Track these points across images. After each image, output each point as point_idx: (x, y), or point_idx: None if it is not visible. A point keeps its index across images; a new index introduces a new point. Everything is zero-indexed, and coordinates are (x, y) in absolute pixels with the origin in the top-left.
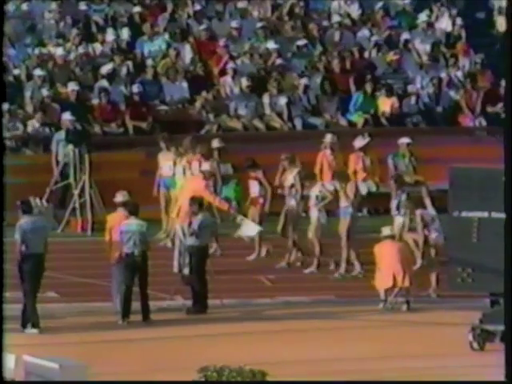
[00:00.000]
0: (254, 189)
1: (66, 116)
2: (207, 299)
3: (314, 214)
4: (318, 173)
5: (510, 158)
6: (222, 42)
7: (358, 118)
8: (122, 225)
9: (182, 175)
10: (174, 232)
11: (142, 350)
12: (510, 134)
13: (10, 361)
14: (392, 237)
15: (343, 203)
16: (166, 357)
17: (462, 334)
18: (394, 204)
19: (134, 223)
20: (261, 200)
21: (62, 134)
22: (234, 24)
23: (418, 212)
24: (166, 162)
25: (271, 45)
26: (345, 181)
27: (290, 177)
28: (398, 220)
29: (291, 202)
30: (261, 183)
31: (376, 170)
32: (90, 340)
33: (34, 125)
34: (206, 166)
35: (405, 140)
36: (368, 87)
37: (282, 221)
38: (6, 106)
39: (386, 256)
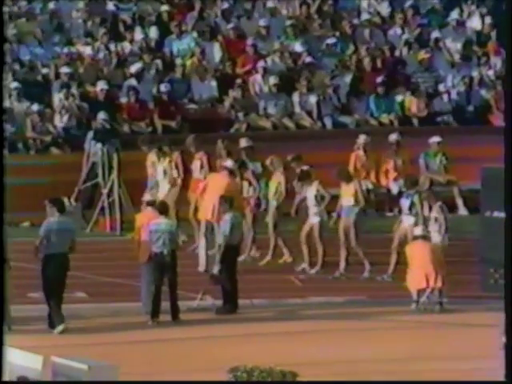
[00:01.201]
0: (246, 189)
1: (101, 116)
2: (237, 299)
3: (314, 215)
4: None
5: (510, 158)
6: (250, 41)
7: (384, 119)
8: (150, 224)
9: (163, 175)
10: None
11: (172, 351)
12: (510, 134)
13: (14, 358)
14: (424, 237)
15: (347, 202)
16: (196, 357)
17: (495, 336)
18: (405, 204)
19: (163, 222)
20: (252, 200)
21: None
22: (262, 22)
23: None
24: (149, 163)
25: (298, 47)
26: (348, 179)
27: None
28: (409, 220)
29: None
30: (250, 183)
31: (407, 169)
32: (119, 341)
33: (62, 124)
34: (229, 162)
35: (435, 139)
36: (380, 89)
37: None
38: (35, 107)
39: (418, 256)
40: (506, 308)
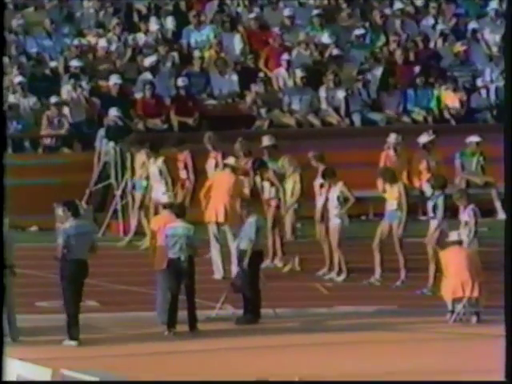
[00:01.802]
0: (266, 190)
1: (113, 112)
2: (260, 308)
3: (335, 218)
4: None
5: (510, 158)
6: (274, 32)
7: (417, 116)
8: (167, 228)
9: (159, 176)
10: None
11: (189, 363)
12: (510, 134)
13: (22, 371)
14: (459, 242)
15: (389, 206)
16: (215, 370)
17: None
18: (429, 206)
19: (180, 226)
20: (273, 202)
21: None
22: (287, 12)
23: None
24: (138, 164)
25: (326, 39)
26: (393, 181)
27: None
28: (434, 224)
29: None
30: (272, 184)
31: (441, 170)
32: (133, 352)
33: (71, 119)
34: (230, 159)
35: (474, 138)
36: (418, 81)
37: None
38: (53, 100)
39: (453, 263)
40: (506, 309)
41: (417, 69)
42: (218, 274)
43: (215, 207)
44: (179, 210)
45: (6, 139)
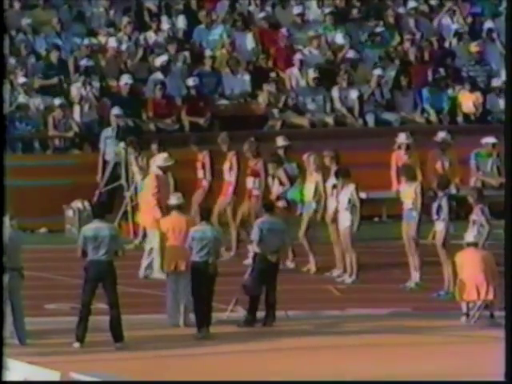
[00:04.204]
0: (276, 189)
1: (115, 111)
2: (274, 310)
3: (345, 219)
4: (394, 175)
5: (510, 158)
6: (286, 31)
7: (432, 116)
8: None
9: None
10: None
11: (200, 366)
12: (510, 134)
13: (30, 374)
14: (475, 244)
15: (406, 205)
16: (225, 373)
17: None
18: (434, 207)
19: (208, 229)
20: (281, 203)
21: (109, 131)
22: (297, 10)
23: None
24: (136, 168)
25: (340, 39)
26: (412, 179)
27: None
28: (439, 226)
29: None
30: (281, 183)
31: (456, 170)
32: (143, 355)
33: (82, 118)
34: (159, 160)
35: (490, 140)
36: (433, 81)
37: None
38: (58, 101)
39: (468, 265)
40: (506, 309)
41: (431, 68)
42: (141, 274)
43: (143, 211)
44: (205, 213)
45: (5, 140)
